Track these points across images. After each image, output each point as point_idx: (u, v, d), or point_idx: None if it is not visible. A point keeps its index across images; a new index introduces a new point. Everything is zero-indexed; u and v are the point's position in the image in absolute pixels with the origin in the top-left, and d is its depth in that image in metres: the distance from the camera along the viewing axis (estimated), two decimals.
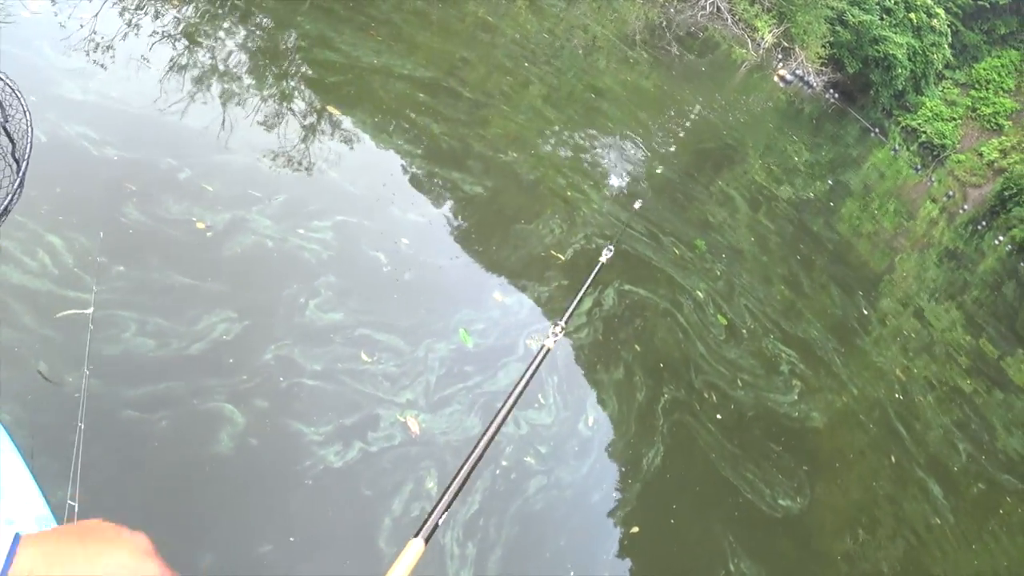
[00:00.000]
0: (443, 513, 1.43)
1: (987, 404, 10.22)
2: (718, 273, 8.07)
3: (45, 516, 1.48)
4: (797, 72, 32.30)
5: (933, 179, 43.45)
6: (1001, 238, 35.33)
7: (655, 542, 4.33)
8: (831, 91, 37.51)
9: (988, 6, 46.90)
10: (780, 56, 31.98)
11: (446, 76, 8.56)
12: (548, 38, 13.93)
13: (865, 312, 10.44)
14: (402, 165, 6.27)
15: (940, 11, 38.65)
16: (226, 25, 6.79)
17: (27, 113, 1.60)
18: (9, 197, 1.43)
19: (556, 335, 2.36)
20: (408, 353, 4.33)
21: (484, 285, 5.35)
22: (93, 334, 3.44)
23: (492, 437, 1.72)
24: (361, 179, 5.55)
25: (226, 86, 5.74)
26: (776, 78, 30.26)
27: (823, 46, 32.87)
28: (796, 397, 6.76)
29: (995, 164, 46.48)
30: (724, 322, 7.09)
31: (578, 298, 2.83)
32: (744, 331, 7.23)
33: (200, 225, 4.24)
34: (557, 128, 9.23)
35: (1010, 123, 48.42)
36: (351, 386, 3.96)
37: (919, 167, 42.97)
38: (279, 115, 5.76)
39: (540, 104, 9.81)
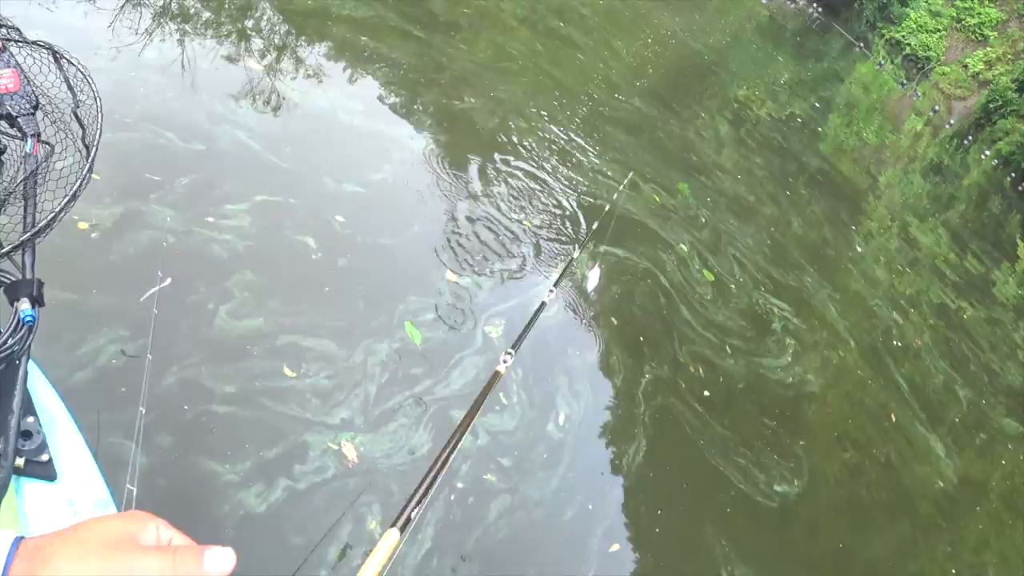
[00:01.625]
0: (415, 507, 1.34)
1: (979, 326, 9.78)
2: (703, 220, 7.41)
3: (105, 499, 1.41)
4: None
5: (918, 92, 42.46)
6: (987, 152, 34.70)
7: (638, 559, 3.82)
8: (814, 5, 36.07)
9: None
10: None
11: (392, 12, 7.68)
12: None
13: (859, 249, 9.86)
14: (339, 125, 5.52)
15: None
16: None
17: (97, 98, 1.61)
18: (79, 182, 1.48)
19: (506, 362, 2.15)
20: (342, 360, 3.70)
21: (435, 264, 4.68)
22: None
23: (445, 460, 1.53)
24: (287, 147, 4.80)
25: (114, 40, 4.91)
26: None
27: None
28: (790, 359, 6.22)
29: (980, 76, 45.43)
30: (711, 278, 6.49)
31: (526, 331, 2.37)
32: (732, 286, 6.63)
33: (83, 225, 3.54)
34: (520, 64, 8.40)
35: (995, 34, 47.14)
36: (272, 409, 3.34)
37: (904, 81, 41.88)
38: (185, 75, 4.96)
39: (501, 39, 8.95)
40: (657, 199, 7.13)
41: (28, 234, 1.42)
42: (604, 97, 8.64)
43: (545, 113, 7.27)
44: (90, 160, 1.53)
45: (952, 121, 39.63)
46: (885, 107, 32.34)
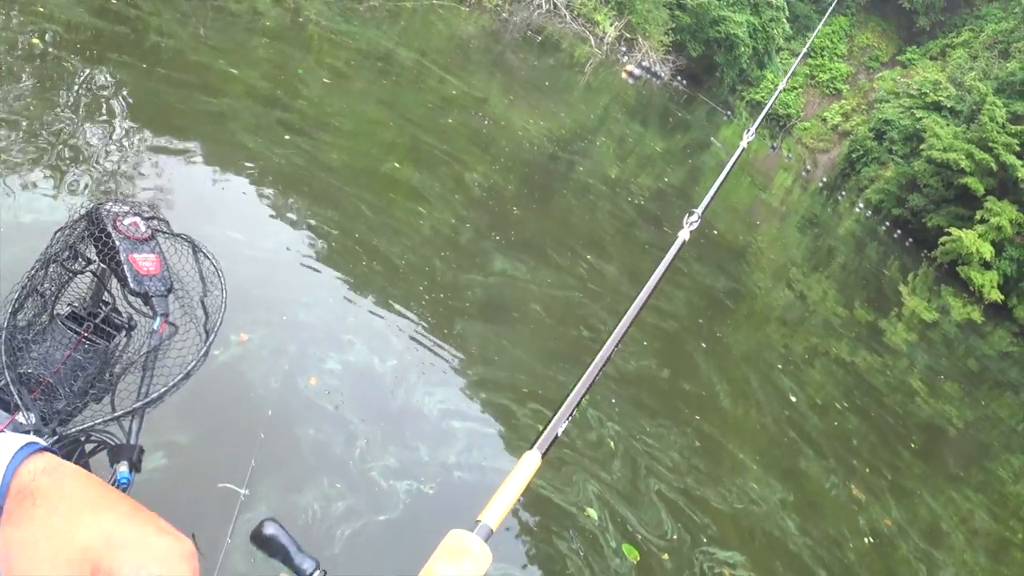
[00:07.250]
0: (562, 424, 1.20)
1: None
2: (611, 444, 5.33)
3: None
4: (644, 64, 30.55)
5: (789, 155, 43.58)
6: (861, 206, 35.33)
7: None
8: (678, 78, 36.23)
9: None
10: (624, 49, 30.18)
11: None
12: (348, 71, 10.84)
13: (793, 399, 8.11)
14: None
15: None
16: None
17: (224, 291, 1.83)
18: (194, 363, 1.64)
19: (693, 224, 1.85)
20: None
21: None
22: None
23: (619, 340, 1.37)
24: None
25: None
26: (624, 75, 28.32)
27: (665, 33, 31.33)
28: None
29: (839, 128, 47.32)
30: (635, 556, 4.40)
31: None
32: (666, 556, 4.57)
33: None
34: (338, 241, 6.26)
35: (847, 87, 49.52)
36: None
37: (775, 145, 42.79)
38: None
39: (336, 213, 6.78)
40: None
41: (139, 403, 1.56)
42: (453, 276, 6.46)
43: (357, 338, 5.05)
44: (207, 345, 1.70)
45: (824, 179, 40.48)
46: (753, 165, 32.51)
